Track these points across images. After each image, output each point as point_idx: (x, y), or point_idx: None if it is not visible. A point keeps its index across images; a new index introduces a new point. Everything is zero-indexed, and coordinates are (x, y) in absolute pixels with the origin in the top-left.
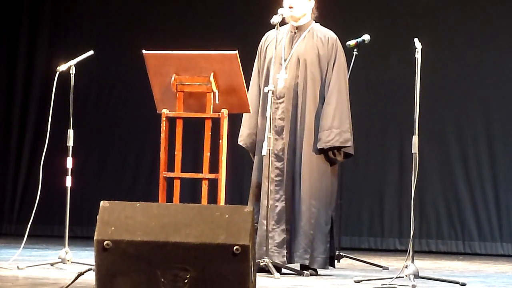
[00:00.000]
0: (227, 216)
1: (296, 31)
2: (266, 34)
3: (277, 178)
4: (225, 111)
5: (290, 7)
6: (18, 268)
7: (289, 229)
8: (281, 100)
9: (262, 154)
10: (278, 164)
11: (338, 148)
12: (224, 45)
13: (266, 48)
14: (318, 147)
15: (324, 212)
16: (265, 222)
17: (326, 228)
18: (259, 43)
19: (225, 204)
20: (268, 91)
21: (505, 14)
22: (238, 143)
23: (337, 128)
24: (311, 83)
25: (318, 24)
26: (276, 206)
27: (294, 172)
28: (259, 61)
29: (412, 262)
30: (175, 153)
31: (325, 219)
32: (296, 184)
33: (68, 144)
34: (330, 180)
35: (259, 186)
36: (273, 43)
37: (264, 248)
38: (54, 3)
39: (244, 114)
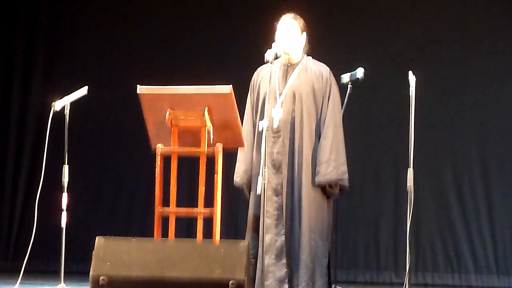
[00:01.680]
0: (222, 251)
1: (289, 65)
2: (258, 70)
3: (275, 213)
4: (219, 146)
5: (284, 42)
6: None
7: (289, 263)
8: (277, 135)
9: (257, 188)
10: (276, 199)
11: (335, 182)
12: (218, 79)
13: (259, 83)
14: (317, 181)
15: (322, 245)
16: (264, 257)
17: (325, 261)
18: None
19: (220, 238)
20: (263, 125)
21: (499, 47)
22: (235, 179)
23: (334, 161)
24: (307, 117)
25: (310, 57)
26: (276, 240)
27: (293, 206)
28: (252, 96)
29: None
30: (170, 188)
31: (323, 252)
32: (295, 218)
33: (63, 180)
34: (327, 213)
35: (256, 220)
36: (266, 78)
37: (264, 282)
38: (48, 40)
39: (239, 151)
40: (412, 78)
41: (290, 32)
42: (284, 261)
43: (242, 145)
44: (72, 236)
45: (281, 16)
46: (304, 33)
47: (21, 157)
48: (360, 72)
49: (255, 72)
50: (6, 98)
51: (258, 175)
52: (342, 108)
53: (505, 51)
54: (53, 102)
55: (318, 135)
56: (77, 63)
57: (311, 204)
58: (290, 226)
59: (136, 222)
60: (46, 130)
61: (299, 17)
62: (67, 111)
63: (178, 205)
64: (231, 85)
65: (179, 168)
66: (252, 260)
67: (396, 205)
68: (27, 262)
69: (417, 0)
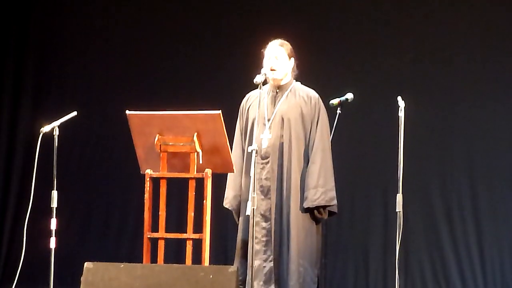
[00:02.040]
0: (211, 276)
1: (277, 90)
2: (247, 95)
3: (264, 238)
4: (209, 171)
5: (272, 70)
6: None
7: None
8: (266, 160)
9: (247, 214)
10: (265, 224)
11: (324, 207)
12: (207, 105)
13: (248, 108)
14: (305, 206)
15: (311, 271)
16: (252, 282)
17: (313, 286)
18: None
19: (209, 264)
20: (252, 150)
21: (487, 72)
22: (224, 205)
23: (323, 187)
24: (296, 143)
25: (299, 82)
26: (264, 266)
27: (282, 232)
28: (241, 122)
29: None
30: (159, 213)
31: (311, 278)
32: (283, 244)
33: (52, 205)
34: (316, 239)
35: (244, 245)
36: (255, 103)
37: None
38: (37, 65)
39: (229, 176)
40: (401, 103)
41: (278, 59)
42: (272, 287)
43: (231, 170)
44: (61, 261)
45: (267, 43)
46: (292, 58)
47: (9, 183)
48: (349, 97)
49: (244, 97)
50: None
51: (247, 200)
52: (331, 133)
53: (495, 74)
54: (42, 127)
55: (307, 160)
56: (66, 88)
57: (299, 229)
58: (278, 251)
59: (126, 247)
60: (35, 155)
61: (286, 42)
62: (55, 133)
63: (168, 230)
64: (220, 110)
65: (169, 193)
66: (241, 286)
67: (386, 229)
68: (15, 286)
69: (407, 25)
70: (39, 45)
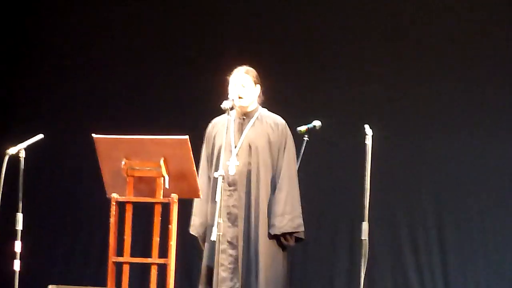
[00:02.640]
0: None
1: (244, 117)
2: (213, 122)
3: (230, 266)
4: (175, 196)
5: (239, 97)
6: None
7: None
8: (233, 188)
9: (212, 239)
10: (232, 252)
11: (290, 233)
12: (174, 131)
13: (214, 135)
14: (272, 233)
15: None
16: None
17: None
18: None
19: None
20: (219, 176)
21: (457, 102)
22: (190, 232)
23: (289, 214)
24: (263, 170)
25: (265, 109)
26: None
27: (249, 260)
28: (207, 149)
29: None
30: (124, 237)
31: None
32: (251, 272)
33: (16, 228)
34: (282, 265)
35: (209, 272)
36: (221, 130)
37: None
38: (2, 87)
39: (195, 203)
40: (368, 131)
41: (244, 86)
42: None
43: (197, 196)
44: (26, 284)
45: (233, 69)
46: (258, 85)
47: None
48: (316, 124)
49: (210, 124)
50: None
51: (213, 226)
52: (298, 160)
53: (465, 105)
54: (7, 150)
55: (274, 187)
56: (33, 112)
57: (267, 257)
58: (246, 279)
59: (91, 271)
60: (0, 177)
61: (251, 69)
62: (21, 156)
63: (133, 254)
64: (188, 136)
65: (135, 217)
66: None
67: (351, 257)
68: None
69: (376, 52)
70: (4, 67)
